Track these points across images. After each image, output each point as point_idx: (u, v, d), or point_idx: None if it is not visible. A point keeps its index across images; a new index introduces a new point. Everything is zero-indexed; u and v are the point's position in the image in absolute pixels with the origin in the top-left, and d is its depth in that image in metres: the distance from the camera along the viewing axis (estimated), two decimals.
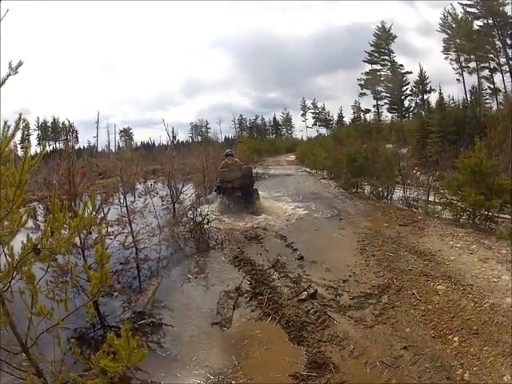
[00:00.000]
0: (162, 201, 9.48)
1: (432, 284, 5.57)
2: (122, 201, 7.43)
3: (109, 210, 6.13)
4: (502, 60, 31.21)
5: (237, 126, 57.38)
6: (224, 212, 10.62)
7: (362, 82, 43.66)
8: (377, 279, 5.95)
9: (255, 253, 7.41)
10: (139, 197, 8.37)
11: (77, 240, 4.69)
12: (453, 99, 30.85)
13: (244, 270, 6.62)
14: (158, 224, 8.40)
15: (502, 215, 8.23)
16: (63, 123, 51.46)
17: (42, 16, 69.29)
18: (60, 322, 2.71)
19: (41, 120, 50.70)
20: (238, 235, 8.70)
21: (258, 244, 8.00)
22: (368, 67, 43.20)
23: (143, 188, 8.65)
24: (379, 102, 43.93)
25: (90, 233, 4.98)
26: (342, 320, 4.87)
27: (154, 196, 9.08)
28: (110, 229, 6.37)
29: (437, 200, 9.96)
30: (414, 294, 5.34)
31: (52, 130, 51.01)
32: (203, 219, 9.00)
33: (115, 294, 5.54)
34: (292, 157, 36.87)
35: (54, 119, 51.28)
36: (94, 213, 4.30)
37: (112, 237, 6.17)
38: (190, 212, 9.35)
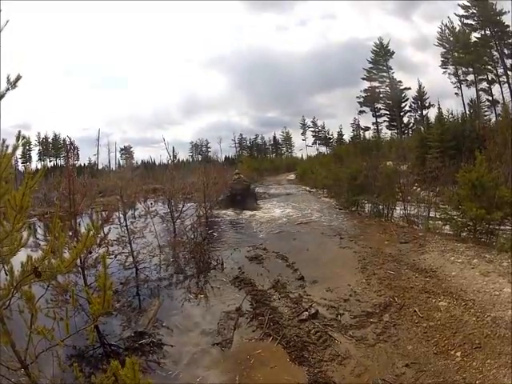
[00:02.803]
0: (162, 221, 9.54)
1: (434, 301, 5.54)
2: (121, 220, 7.50)
3: (109, 230, 6.12)
4: (500, 71, 31.52)
5: (237, 145, 57.74)
6: (230, 208, 15.61)
7: (361, 100, 44.03)
8: (378, 298, 5.92)
9: (256, 273, 7.38)
10: (139, 217, 8.43)
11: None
12: (452, 113, 31.01)
13: (244, 290, 6.59)
14: (158, 244, 8.45)
15: (502, 227, 8.20)
16: (64, 140, 52.15)
17: (45, 33, 70.67)
18: (60, 342, 2.67)
19: (42, 136, 51.24)
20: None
21: (259, 264, 7.98)
22: (366, 84, 43.65)
23: (143, 207, 8.72)
24: (378, 120, 44.23)
25: (90, 252, 5.04)
26: (343, 339, 4.82)
27: (154, 216, 9.15)
28: (110, 248, 6.44)
29: (437, 215, 9.98)
30: (415, 311, 5.31)
31: (53, 146, 51.35)
32: (203, 239, 9.02)
33: (115, 313, 5.54)
34: (292, 176, 37.05)
35: (55, 135, 51.77)
36: (93, 233, 4.35)
37: (112, 256, 6.24)
38: (191, 232, 9.37)
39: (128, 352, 4.75)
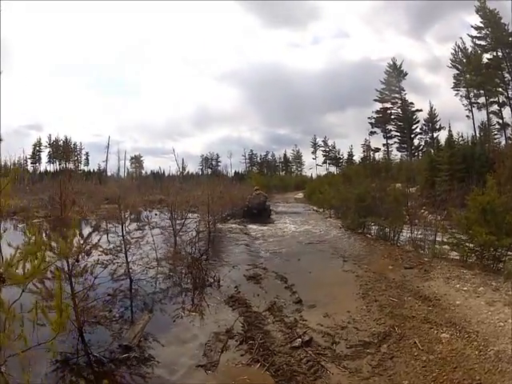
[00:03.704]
0: (162, 233, 9.41)
1: (435, 332, 5.23)
2: (118, 230, 7.39)
3: (100, 238, 5.95)
4: (511, 93, 31.32)
5: (247, 160, 58.17)
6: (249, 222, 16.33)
7: (373, 121, 44.15)
8: (377, 326, 5.60)
9: (252, 293, 7.10)
10: (139, 227, 8.31)
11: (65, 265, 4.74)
12: (462, 136, 30.84)
13: (238, 311, 6.30)
14: (156, 256, 8.28)
15: (510, 252, 7.86)
16: (74, 143, 53.01)
17: (66, 37, 72.89)
18: (21, 353, 2.60)
19: (53, 138, 52.11)
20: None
21: (257, 284, 7.72)
22: (378, 105, 43.77)
23: (144, 218, 8.64)
24: (389, 141, 44.26)
25: (78, 260, 4.98)
26: (335, 371, 4.51)
27: (153, 227, 9.04)
28: (105, 257, 6.36)
29: (445, 240, 9.69)
30: (415, 343, 4.98)
31: (63, 150, 52.08)
32: (201, 255, 8.83)
33: (104, 323, 5.36)
34: (300, 194, 36.91)
35: (66, 138, 52.59)
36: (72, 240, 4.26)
37: (104, 265, 6.08)
38: (189, 247, 9.19)
39: (112, 363, 4.67)
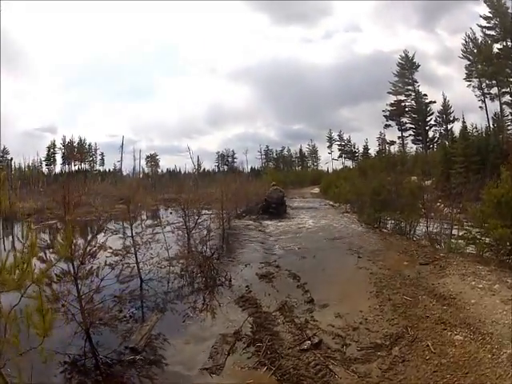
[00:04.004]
0: (173, 232, 9.40)
1: (449, 334, 5.05)
2: (128, 230, 7.43)
3: (106, 239, 5.97)
4: None
5: (263, 156, 58.13)
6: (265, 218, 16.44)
7: (387, 114, 43.63)
8: (390, 327, 5.45)
9: (264, 292, 7.02)
10: (149, 227, 8.33)
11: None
12: (476, 128, 30.23)
13: (248, 311, 6.21)
14: (168, 256, 8.29)
15: None
16: (89, 144, 53.82)
17: (80, 40, 73.79)
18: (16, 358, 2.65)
19: (67, 139, 52.97)
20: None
21: (269, 283, 7.63)
22: (392, 98, 43.19)
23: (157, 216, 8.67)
24: (404, 134, 43.70)
25: (83, 263, 4.97)
26: (344, 375, 4.40)
27: (165, 226, 9.04)
28: (114, 258, 6.43)
29: (461, 234, 9.48)
30: (428, 345, 4.82)
31: (78, 151, 52.96)
32: (213, 254, 8.79)
33: (111, 325, 5.34)
34: (316, 189, 36.67)
35: (81, 139, 53.38)
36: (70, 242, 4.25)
37: (113, 266, 6.11)
38: (200, 246, 9.15)
39: (120, 365, 4.69)
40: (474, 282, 6.65)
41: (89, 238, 5.26)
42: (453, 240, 9.48)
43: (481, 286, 6.47)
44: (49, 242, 4.75)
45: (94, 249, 5.22)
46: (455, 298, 6.14)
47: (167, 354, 5.03)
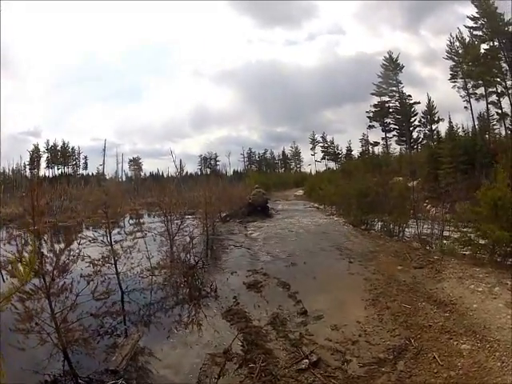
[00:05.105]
0: (154, 240, 8.92)
1: (455, 343, 4.75)
2: (105, 239, 6.93)
3: (79, 251, 5.36)
4: (509, 83, 31.07)
5: (246, 159, 58.09)
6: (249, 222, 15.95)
7: (371, 115, 43.94)
8: (392, 339, 5.08)
9: (252, 304, 6.56)
10: (130, 234, 7.81)
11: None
12: (462, 128, 30.54)
13: (237, 326, 5.73)
14: (150, 265, 7.79)
15: None
16: (72, 148, 53.04)
17: (62, 40, 72.67)
18: None
19: (50, 143, 52.21)
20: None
21: (257, 293, 7.16)
22: (376, 99, 43.50)
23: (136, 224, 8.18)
24: (388, 135, 44.05)
25: (54, 279, 4.50)
26: None
27: (146, 234, 8.57)
28: (94, 268, 5.94)
29: (452, 235, 9.28)
30: (434, 357, 4.49)
31: (61, 154, 52.35)
32: (197, 262, 8.34)
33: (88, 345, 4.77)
34: (300, 191, 36.55)
35: (64, 143, 52.68)
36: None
37: (90, 279, 5.53)
38: (183, 254, 8.66)
39: None
40: (473, 286, 6.43)
41: (58, 250, 4.69)
42: (444, 241, 9.24)
43: (480, 289, 6.25)
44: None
45: (67, 261, 4.71)
46: (456, 304, 5.87)
47: (151, 376, 4.60)
